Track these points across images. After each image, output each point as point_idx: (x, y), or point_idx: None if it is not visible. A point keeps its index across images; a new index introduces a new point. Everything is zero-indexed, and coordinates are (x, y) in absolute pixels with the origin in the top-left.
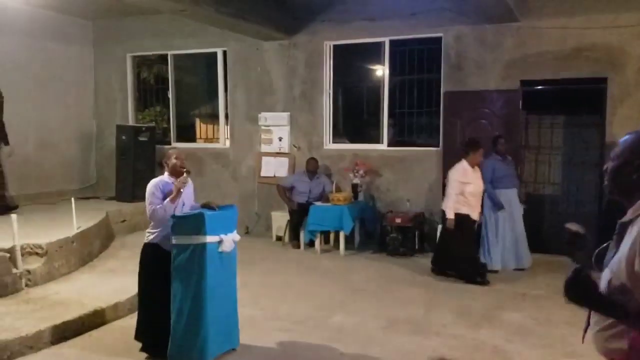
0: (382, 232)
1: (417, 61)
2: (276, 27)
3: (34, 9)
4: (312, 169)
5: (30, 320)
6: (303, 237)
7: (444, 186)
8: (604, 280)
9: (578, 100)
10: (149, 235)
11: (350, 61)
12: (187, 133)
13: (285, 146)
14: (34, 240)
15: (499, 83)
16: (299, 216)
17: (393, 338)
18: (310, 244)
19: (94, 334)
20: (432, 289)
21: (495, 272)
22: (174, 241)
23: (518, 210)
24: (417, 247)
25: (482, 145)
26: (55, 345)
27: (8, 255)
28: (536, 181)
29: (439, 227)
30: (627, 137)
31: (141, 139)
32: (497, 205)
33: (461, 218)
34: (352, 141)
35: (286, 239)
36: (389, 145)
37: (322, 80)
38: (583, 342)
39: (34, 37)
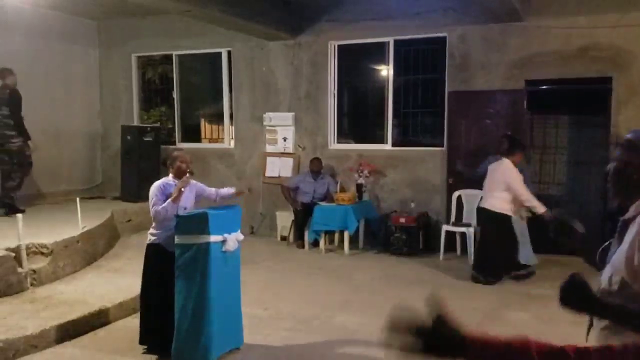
0: (387, 232)
1: (421, 61)
2: (281, 27)
3: (39, 9)
4: (316, 169)
5: (35, 320)
6: (307, 236)
7: (448, 186)
8: (605, 276)
9: (583, 100)
10: (152, 236)
11: (355, 61)
12: (192, 133)
13: (290, 146)
14: (39, 240)
15: (504, 83)
16: (303, 216)
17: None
18: (315, 243)
19: (99, 333)
20: (436, 288)
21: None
22: (177, 241)
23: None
24: (421, 246)
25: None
26: (60, 344)
27: (13, 254)
28: (541, 181)
29: (472, 229)
30: (628, 135)
31: (146, 139)
32: None
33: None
34: (357, 141)
35: (291, 238)
36: (394, 145)
37: (327, 80)
38: (587, 340)
39: (39, 37)
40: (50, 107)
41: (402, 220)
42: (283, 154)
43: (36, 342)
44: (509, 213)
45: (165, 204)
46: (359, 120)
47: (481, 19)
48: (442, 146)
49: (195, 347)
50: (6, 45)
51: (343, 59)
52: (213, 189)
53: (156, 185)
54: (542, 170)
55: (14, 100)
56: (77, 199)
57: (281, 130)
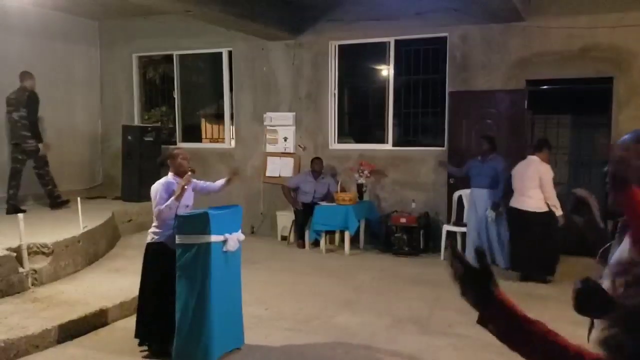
0: (387, 232)
1: (422, 61)
2: (282, 27)
3: (40, 9)
4: (318, 169)
5: (36, 319)
6: (308, 236)
7: (449, 186)
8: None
9: (584, 100)
10: (154, 235)
11: (356, 61)
12: (192, 133)
13: (290, 146)
14: (41, 240)
15: (505, 83)
16: (304, 216)
17: (398, 337)
18: (316, 243)
19: (100, 333)
20: (437, 288)
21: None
22: (178, 240)
23: (485, 208)
24: (422, 246)
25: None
26: (61, 344)
27: (14, 254)
28: None
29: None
30: (625, 137)
31: (147, 139)
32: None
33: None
34: (358, 141)
35: (291, 238)
36: (394, 145)
37: (328, 80)
38: (588, 341)
39: (40, 37)
40: (52, 107)
41: (403, 220)
42: (284, 154)
43: (37, 342)
44: (547, 208)
45: (169, 202)
46: (359, 120)
47: (482, 19)
48: (443, 146)
49: (196, 347)
50: (8, 45)
51: (344, 59)
52: (212, 184)
53: (158, 184)
54: None
55: (32, 103)
56: (78, 198)
57: (282, 130)
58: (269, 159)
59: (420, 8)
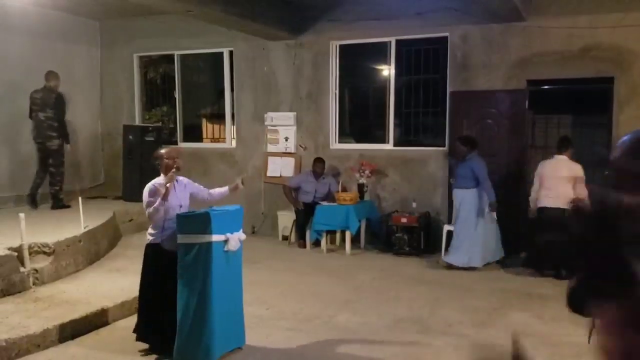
0: (388, 232)
1: (423, 61)
2: (282, 27)
3: (41, 9)
4: (319, 171)
5: (37, 319)
6: (309, 236)
7: (449, 186)
8: None
9: (585, 100)
10: (150, 236)
11: (357, 61)
12: (193, 133)
13: (291, 146)
14: (42, 239)
15: (505, 83)
16: (305, 216)
17: (399, 337)
18: (317, 243)
19: (101, 332)
20: (437, 288)
21: (474, 269)
22: (180, 240)
23: (468, 209)
24: (422, 246)
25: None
26: (62, 343)
27: (16, 254)
28: None
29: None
30: (624, 139)
31: (148, 138)
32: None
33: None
34: (358, 141)
35: (292, 238)
36: (395, 145)
37: (328, 80)
38: (589, 342)
39: (41, 37)
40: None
41: (404, 220)
42: (284, 154)
43: (38, 342)
44: None
45: (156, 203)
46: (360, 120)
47: (483, 19)
48: (444, 146)
49: (197, 347)
50: (8, 45)
51: (344, 59)
52: (206, 191)
53: (147, 187)
54: None
55: (60, 104)
56: (80, 198)
57: (283, 130)
58: (270, 158)
59: (420, 8)
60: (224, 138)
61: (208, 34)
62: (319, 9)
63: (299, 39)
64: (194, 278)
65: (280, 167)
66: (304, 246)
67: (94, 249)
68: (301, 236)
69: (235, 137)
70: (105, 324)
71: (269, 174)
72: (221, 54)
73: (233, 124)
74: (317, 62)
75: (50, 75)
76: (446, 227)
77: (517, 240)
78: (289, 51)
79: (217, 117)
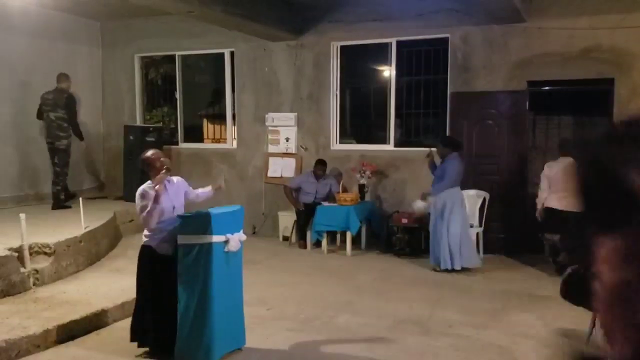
0: (389, 233)
1: (423, 62)
2: (284, 28)
3: (43, 9)
4: (320, 173)
5: (37, 319)
6: (310, 237)
7: None
8: None
9: (585, 101)
10: (145, 237)
11: (357, 62)
12: (194, 133)
13: (292, 147)
14: (42, 240)
15: (506, 84)
16: (305, 216)
17: (399, 338)
18: (317, 244)
19: (101, 333)
20: (438, 289)
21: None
22: (180, 241)
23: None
24: (423, 247)
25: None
26: (62, 344)
27: (16, 254)
28: None
29: (476, 230)
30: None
31: (149, 139)
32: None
33: None
34: (359, 142)
35: (293, 239)
36: (396, 145)
37: (329, 81)
38: (588, 342)
39: (42, 37)
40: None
41: (405, 220)
42: (285, 155)
43: (38, 342)
44: None
45: (149, 207)
46: (361, 120)
47: (483, 20)
48: None
49: (198, 348)
50: (9, 45)
51: (345, 60)
52: (195, 192)
53: (139, 191)
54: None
55: (71, 104)
56: (80, 198)
57: (283, 130)
58: (271, 159)
59: (421, 9)
60: (225, 139)
61: (209, 35)
62: (320, 9)
63: (300, 39)
64: (194, 279)
65: (281, 168)
66: (305, 247)
67: (94, 250)
68: (302, 237)
69: (236, 137)
70: (106, 324)
71: (269, 174)
72: (222, 54)
73: (234, 125)
74: (318, 62)
75: (62, 77)
76: None
77: (518, 240)
78: (290, 52)
79: (218, 118)
